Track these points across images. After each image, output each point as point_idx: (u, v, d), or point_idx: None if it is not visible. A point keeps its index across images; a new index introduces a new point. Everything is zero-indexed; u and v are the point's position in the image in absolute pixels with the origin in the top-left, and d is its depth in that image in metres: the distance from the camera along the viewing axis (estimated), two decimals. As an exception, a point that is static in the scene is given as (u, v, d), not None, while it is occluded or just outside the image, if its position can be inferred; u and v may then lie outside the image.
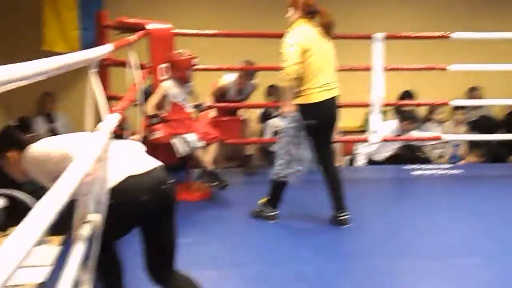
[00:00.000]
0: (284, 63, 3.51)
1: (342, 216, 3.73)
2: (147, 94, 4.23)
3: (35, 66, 1.08)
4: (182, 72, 4.12)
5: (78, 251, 1.63)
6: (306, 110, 3.57)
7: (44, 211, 1.03)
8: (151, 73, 4.37)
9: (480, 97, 6.76)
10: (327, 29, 3.61)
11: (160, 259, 2.34)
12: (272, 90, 5.84)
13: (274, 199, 3.83)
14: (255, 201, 3.92)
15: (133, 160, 2.23)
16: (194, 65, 4.16)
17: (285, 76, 3.51)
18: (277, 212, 3.85)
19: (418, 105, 6.18)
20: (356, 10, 6.91)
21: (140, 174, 2.15)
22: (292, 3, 3.64)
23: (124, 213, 2.08)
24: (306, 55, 3.52)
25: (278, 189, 3.80)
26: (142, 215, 2.19)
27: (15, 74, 0.94)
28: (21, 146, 2.26)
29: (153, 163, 2.26)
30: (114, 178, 2.04)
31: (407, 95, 6.36)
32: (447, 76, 5.88)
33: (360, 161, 5.71)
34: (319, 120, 3.61)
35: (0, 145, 2.37)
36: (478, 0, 7.13)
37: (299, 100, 3.58)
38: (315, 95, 3.58)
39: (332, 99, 3.67)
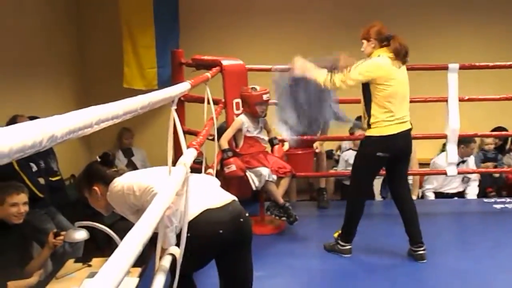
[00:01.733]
0: (345, 75, 3.53)
1: (419, 250, 3.63)
2: (222, 129, 4.33)
3: (124, 105, 1.14)
4: (253, 107, 4.18)
5: (159, 282, 1.68)
6: (380, 142, 3.54)
7: (131, 245, 1.07)
8: (225, 108, 4.46)
9: None
10: (402, 55, 3.54)
11: None
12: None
13: (348, 232, 3.78)
14: (329, 235, 3.88)
15: (209, 194, 2.29)
16: (267, 100, 4.20)
17: (335, 84, 3.59)
18: (351, 246, 3.79)
19: (500, 136, 5.93)
20: (430, 41, 6.81)
21: (216, 208, 2.20)
22: (363, 35, 3.64)
23: (201, 245, 2.13)
24: (384, 85, 3.49)
25: (352, 222, 3.75)
26: (219, 248, 2.24)
27: (107, 114, 1.00)
28: (106, 180, 2.36)
29: (229, 197, 2.31)
30: (191, 211, 2.08)
31: (499, 130, 5.99)
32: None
33: (429, 196, 5.59)
34: (392, 152, 3.56)
35: (86, 179, 2.48)
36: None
37: (374, 132, 3.55)
38: (391, 128, 3.53)
39: (407, 131, 3.61)
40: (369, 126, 3.57)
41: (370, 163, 3.65)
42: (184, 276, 2.20)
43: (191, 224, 2.06)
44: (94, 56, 6.85)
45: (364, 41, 3.63)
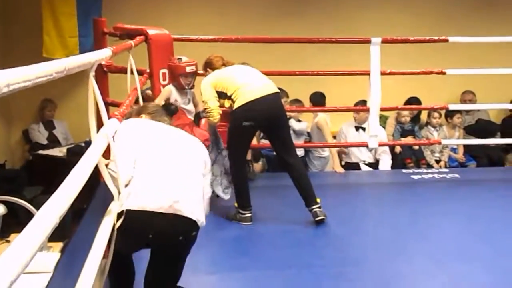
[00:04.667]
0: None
1: (314, 208, 3.75)
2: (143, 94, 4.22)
3: (37, 70, 1.09)
4: (177, 78, 4.11)
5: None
6: (243, 110, 3.72)
7: (46, 218, 1.04)
8: (150, 78, 4.38)
9: (473, 101, 6.79)
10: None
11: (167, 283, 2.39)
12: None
13: (242, 201, 3.87)
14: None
15: (170, 193, 2.23)
16: (191, 71, 4.13)
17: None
18: (250, 214, 3.86)
19: (416, 109, 6.17)
20: (354, 15, 6.95)
21: (161, 214, 2.16)
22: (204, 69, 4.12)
23: (130, 234, 2.15)
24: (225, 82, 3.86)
25: (241, 191, 3.87)
26: (145, 246, 2.28)
27: (18, 77, 0.95)
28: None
29: (186, 208, 2.27)
30: (139, 202, 2.13)
31: (413, 101, 6.23)
32: (442, 81, 5.93)
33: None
34: (257, 118, 3.72)
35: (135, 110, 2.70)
36: (473, 5, 7.18)
37: (236, 104, 3.74)
38: (249, 95, 3.72)
39: (270, 96, 3.76)
40: (233, 101, 3.74)
41: (240, 134, 3.80)
42: (120, 255, 2.23)
43: (130, 212, 2.08)
44: (12, 24, 6.49)
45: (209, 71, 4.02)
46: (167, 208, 2.14)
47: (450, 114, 6.31)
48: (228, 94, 3.76)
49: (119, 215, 2.05)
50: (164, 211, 2.13)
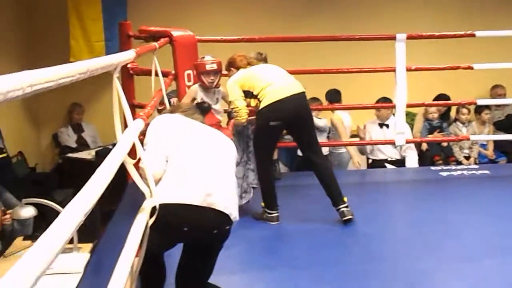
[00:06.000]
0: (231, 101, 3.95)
1: (341, 208, 3.73)
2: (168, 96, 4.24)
3: (60, 71, 1.11)
4: (198, 76, 4.08)
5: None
6: (269, 111, 3.73)
7: (70, 218, 1.06)
8: (176, 79, 4.41)
9: (503, 96, 6.67)
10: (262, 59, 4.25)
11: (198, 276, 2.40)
12: None
13: (269, 201, 3.86)
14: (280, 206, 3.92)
15: (204, 186, 2.26)
16: (211, 69, 4.08)
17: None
18: (277, 214, 3.85)
19: (443, 105, 6.09)
20: (378, 12, 6.89)
21: (196, 207, 2.19)
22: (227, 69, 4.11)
23: (164, 229, 2.15)
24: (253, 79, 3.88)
25: (268, 191, 3.86)
26: (180, 240, 2.32)
27: (41, 78, 0.97)
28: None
29: (221, 201, 2.29)
30: (174, 196, 2.17)
31: (441, 98, 6.14)
32: (470, 76, 5.83)
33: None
34: (283, 118, 3.73)
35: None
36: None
37: (262, 104, 3.76)
38: (275, 94, 3.73)
39: (296, 95, 3.76)
40: (259, 100, 3.74)
41: (266, 134, 3.80)
42: (153, 254, 2.23)
43: (164, 206, 2.09)
44: (40, 29, 6.62)
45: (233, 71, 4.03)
46: (200, 202, 2.16)
47: (479, 110, 6.21)
48: (255, 93, 3.77)
49: (152, 212, 2.06)
50: (198, 203, 2.16)
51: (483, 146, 6.18)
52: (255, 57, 4.17)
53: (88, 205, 1.14)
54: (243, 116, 3.80)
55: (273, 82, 3.75)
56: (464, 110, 6.09)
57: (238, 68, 4.01)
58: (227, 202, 2.24)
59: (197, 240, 2.29)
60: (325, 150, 5.59)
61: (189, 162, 2.26)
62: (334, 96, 5.77)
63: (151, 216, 2.03)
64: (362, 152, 5.91)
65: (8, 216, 3.41)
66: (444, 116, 6.21)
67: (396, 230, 3.81)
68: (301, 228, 3.78)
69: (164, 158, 2.26)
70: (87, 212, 1.11)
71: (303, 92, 3.82)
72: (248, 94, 3.82)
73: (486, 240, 3.50)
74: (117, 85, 1.78)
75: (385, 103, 5.41)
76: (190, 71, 4.34)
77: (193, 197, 2.16)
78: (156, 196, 2.07)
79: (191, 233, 2.20)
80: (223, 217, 2.23)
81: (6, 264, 3.22)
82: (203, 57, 4.12)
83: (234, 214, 2.27)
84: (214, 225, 2.23)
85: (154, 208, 2.06)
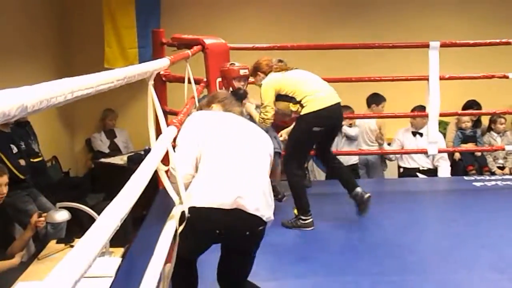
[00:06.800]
0: (262, 112, 3.96)
1: (356, 192, 3.82)
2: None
3: (99, 78, 1.13)
4: (230, 82, 4.10)
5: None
6: (313, 117, 3.79)
7: (107, 222, 1.07)
8: (207, 87, 4.44)
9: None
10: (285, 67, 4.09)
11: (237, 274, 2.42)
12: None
13: (303, 206, 3.86)
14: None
15: (236, 189, 2.25)
16: (244, 75, 4.11)
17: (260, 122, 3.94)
18: (311, 219, 3.84)
19: (478, 114, 6.00)
20: (411, 21, 6.82)
21: (226, 210, 2.18)
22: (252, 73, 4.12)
23: (197, 232, 2.18)
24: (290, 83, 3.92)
25: (300, 196, 3.88)
26: (215, 242, 2.31)
27: (81, 85, 0.99)
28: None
29: (252, 203, 2.28)
30: (205, 198, 2.18)
31: (472, 104, 6.08)
32: (505, 85, 5.73)
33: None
34: (326, 125, 3.81)
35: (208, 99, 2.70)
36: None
37: (306, 110, 3.80)
38: (319, 103, 3.79)
39: (335, 105, 3.83)
40: (301, 106, 3.77)
41: (307, 139, 3.87)
42: (185, 260, 2.26)
43: (195, 209, 2.10)
44: (75, 36, 6.76)
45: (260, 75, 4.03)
46: (231, 204, 2.15)
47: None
48: (297, 99, 3.80)
49: (182, 217, 2.05)
50: (229, 206, 2.15)
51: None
52: (278, 64, 4.15)
53: (124, 210, 1.16)
54: (267, 124, 3.88)
55: (320, 90, 3.82)
56: (502, 120, 5.99)
57: (264, 72, 4.01)
58: (258, 203, 2.21)
59: (230, 242, 2.30)
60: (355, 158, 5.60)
61: (221, 163, 2.24)
62: (376, 99, 5.75)
63: (181, 222, 2.03)
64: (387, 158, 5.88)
65: (42, 219, 3.47)
66: (476, 123, 6.12)
67: (428, 241, 3.74)
68: (331, 236, 3.77)
69: (194, 160, 2.25)
70: (123, 217, 1.12)
71: (340, 102, 3.90)
72: (285, 98, 3.85)
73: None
74: (152, 92, 1.80)
75: (420, 111, 5.35)
76: (220, 78, 4.37)
77: (224, 200, 2.16)
78: (186, 201, 2.07)
79: (224, 236, 2.21)
80: (255, 219, 2.21)
81: (40, 266, 3.28)
82: (233, 63, 4.16)
83: (267, 215, 2.24)
84: (246, 227, 2.21)
85: (183, 214, 2.06)
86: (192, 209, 2.08)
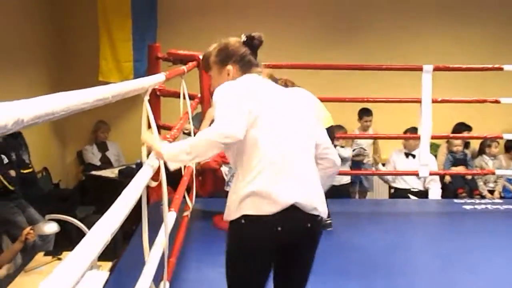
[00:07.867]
0: None
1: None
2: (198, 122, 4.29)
3: (94, 92, 1.14)
4: None
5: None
6: None
7: (97, 237, 1.07)
8: (201, 103, 4.45)
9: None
10: None
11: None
12: None
13: None
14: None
15: (294, 189, 2.06)
16: None
17: None
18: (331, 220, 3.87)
19: (469, 138, 6.04)
20: (405, 43, 6.89)
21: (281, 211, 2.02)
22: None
23: (255, 238, 2.04)
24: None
25: None
26: (277, 242, 2.08)
27: (78, 101, 1.00)
28: (244, 65, 2.37)
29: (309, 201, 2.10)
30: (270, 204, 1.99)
31: (462, 128, 6.15)
32: (497, 109, 5.79)
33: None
34: None
35: (223, 57, 2.46)
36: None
37: None
38: None
39: None
40: None
41: None
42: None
43: (249, 218, 1.95)
44: (70, 49, 6.76)
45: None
46: (288, 206, 1.98)
47: (510, 144, 6.14)
48: None
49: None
50: (286, 207, 1.98)
51: (510, 180, 6.09)
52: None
53: (115, 225, 1.16)
54: None
55: None
56: (496, 144, 6.04)
57: None
58: (315, 203, 2.05)
59: (291, 241, 2.07)
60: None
61: (274, 159, 1.98)
62: (364, 112, 5.95)
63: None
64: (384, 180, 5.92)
65: (32, 232, 3.44)
66: (466, 145, 6.18)
67: (416, 263, 3.75)
68: (320, 258, 3.75)
69: (245, 126, 1.93)
70: (113, 232, 1.12)
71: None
72: None
73: (506, 278, 3.43)
74: (147, 107, 1.81)
75: (413, 133, 5.40)
76: (214, 94, 4.39)
77: (282, 206, 1.97)
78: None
79: (287, 232, 2.00)
80: (313, 215, 2.06)
81: (26, 278, 3.25)
82: None
83: (323, 211, 2.09)
84: (306, 218, 2.03)
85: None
86: (245, 217, 1.93)
